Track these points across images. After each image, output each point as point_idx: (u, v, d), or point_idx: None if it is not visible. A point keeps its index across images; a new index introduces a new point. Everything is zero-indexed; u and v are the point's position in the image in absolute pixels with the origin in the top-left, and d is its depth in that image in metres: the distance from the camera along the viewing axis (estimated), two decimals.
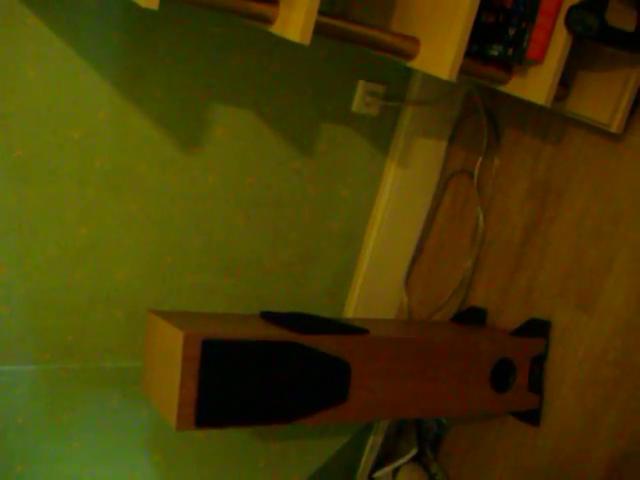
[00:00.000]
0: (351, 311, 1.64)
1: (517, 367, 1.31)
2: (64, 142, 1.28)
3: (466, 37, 1.02)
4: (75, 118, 1.27)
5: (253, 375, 0.99)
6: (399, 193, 1.58)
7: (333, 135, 1.50)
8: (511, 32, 1.12)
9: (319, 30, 0.94)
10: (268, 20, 0.96)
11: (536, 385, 1.35)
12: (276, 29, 0.96)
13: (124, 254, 1.39)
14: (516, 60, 1.12)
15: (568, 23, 1.09)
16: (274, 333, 1.04)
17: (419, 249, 1.67)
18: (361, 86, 1.47)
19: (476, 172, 1.55)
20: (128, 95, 1.30)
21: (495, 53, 1.15)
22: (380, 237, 1.60)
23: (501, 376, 1.31)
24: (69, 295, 1.37)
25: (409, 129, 1.54)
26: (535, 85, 1.15)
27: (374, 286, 1.64)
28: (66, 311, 1.38)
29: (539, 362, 1.35)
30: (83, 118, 1.28)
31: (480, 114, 1.54)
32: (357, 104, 1.48)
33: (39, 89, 1.23)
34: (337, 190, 1.55)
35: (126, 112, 1.31)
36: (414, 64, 1.09)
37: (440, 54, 1.04)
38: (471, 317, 1.48)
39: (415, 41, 1.08)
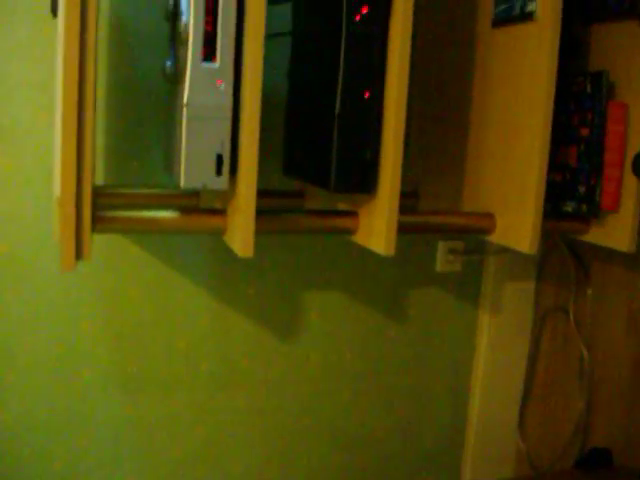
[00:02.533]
0: (468, 466, 1.61)
1: None
2: (172, 352, 1.35)
3: (540, 208, 1.05)
4: (179, 329, 1.35)
5: None
6: (496, 341, 1.58)
7: (422, 297, 1.53)
8: (581, 189, 1.14)
9: (399, 230, 0.99)
10: (350, 232, 1.02)
11: None
12: (359, 240, 1.02)
13: (239, 446, 1.43)
14: (591, 215, 1.14)
15: (635, 171, 1.11)
16: None
17: (527, 393, 1.64)
18: (441, 246, 1.52)
19: (570, 308, 1.54)
20: (224, 299, 1.37)
21: (569, 210, 1.17)
22: (485, 387, 1.59)
23: None
24: None
25: (495, 277, 1.56)
26: (615, 233, 1.16)
27: (488, 437, 1.62)
28: None
29: None
30: (186, 328, 1.35)
31: (563, 251, 1.55)
32: (440, 264, 1.52)
33: (144, 309, 1.32)
34: (435, 350, 1.56)
35: (224, 314, 1.38)
36: (493, 238, 1.12)
37: (517, 227, 1.07)
38: (596, 460, 1.43)
39: (490, 217, 1.12)
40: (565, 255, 1.55)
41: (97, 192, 1.13)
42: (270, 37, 0.95)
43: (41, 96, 1.20)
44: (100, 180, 1.26)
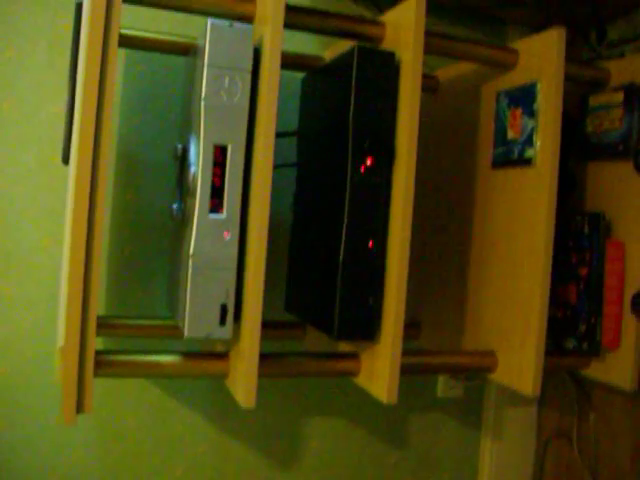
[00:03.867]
0: None
1: None
2: None
3: (542, 351, 1.05)
4: (177, 456, 1.33)
5: None
6: (499, 467, 1.56)
7: (423, 423, 1.51)
8: (582, 327, 1.15)
9: (402, 372, 0.99)
10: (352, 374, 1.02)
11: None
12: (361, 382, 1.02)
13: None
14: (592, 353, 1.15)
15: (635, 312, 1.12)
16: None
17: None
18: None
19: (573, 434, 1.52)
20: (223, 426, 1.35)
21: (570, 346, 1.17)
22: None
23: None
24: None
25: (496, 402, 1.55)
26: (616, 370, 1.16)
27: None
28: None
29: None
30: (184, 455, 1.33)
31: (564, 376, 1.54)
32: (441, 389, 1.51)
33: (141, 436, 1.30)
34: (437, 477, 1.53)
35: (223, 442, 1.36)
36: (494, 377, 1.12)
37: (519, 368, 1.07)
38: None
39: (492, 355, 1.12)
40: (566, 380, 1.54)
41: (99, 322, 1.14)
42: (275, 167, 0.97)
43: (48, 222, 1.22)
44: (101, 307, 1.26)
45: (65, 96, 1.20)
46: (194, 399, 1.33)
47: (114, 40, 0.86)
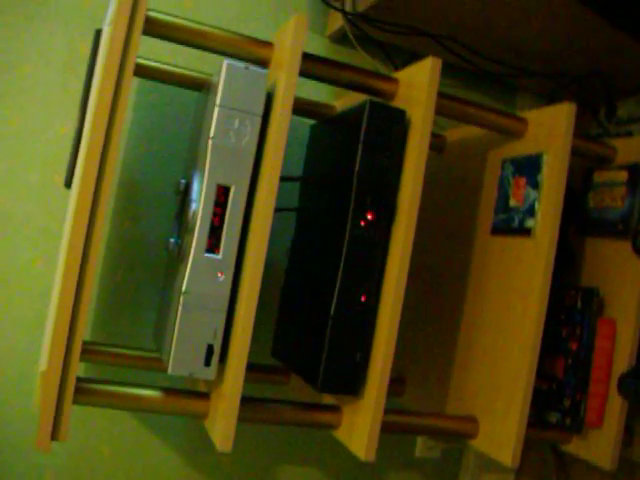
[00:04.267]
0: None
1: None
2: None
3: (524, 423, 1.04)
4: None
5: None
6: None
7: None
8: (566, 402, 1.14)
9: (382, 429, 0.97)
10: (332, 427, 1.01)
11: None
12: (340, 436, 1.00)
13: None
14: (575, 430, 1.14)
15: (621, 393, 1.11)
16: None
17: None
18: None
19: None
20: (195, 464, 1.34)
21: (553, 420, 1.16)
22: None
23: None
24: None
25: (474, 467, 1.53)
26: (597, 449, 1.15)
27: None
28: None
29: None
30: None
31: (544, 448, 1.52)
32: (419, 449, 1.49)
33: (113, 466, 1.28)
34: None
35: (196, 479, 1.34)
36: (475, 444, 1.11)
37: (500, 437, 1.06)
38: None
39: (474, 421, 1.11)
40: (546, 450, 1.53)
41: (83, 348, 1.12)
42: (275, 211, 0.96)
43: (42, 243, 1.22)
44: (87, 332, 1.25)
45: (74, 119, 1.21)
46: (170, 433, 1.31)
47: (130, 69, 0.86)
